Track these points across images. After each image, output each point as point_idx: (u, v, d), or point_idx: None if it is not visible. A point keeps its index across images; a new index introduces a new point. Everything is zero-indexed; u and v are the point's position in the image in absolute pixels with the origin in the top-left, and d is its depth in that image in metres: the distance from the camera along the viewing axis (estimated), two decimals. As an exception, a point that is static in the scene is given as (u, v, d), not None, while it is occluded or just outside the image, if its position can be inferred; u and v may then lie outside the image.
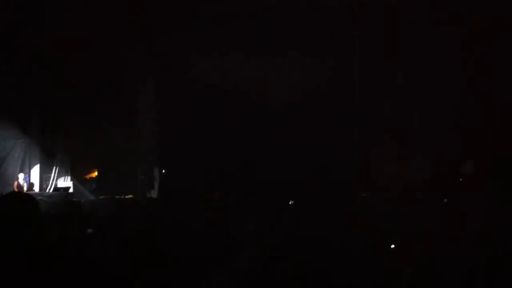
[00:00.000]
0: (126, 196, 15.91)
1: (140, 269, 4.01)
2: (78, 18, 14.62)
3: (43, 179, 16.91)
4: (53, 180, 16.79)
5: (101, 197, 16.13)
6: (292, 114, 16.36)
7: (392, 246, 5.43)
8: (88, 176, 17.81)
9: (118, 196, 15.75)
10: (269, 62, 15.99)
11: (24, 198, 3.24)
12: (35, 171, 16.92)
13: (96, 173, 17.73)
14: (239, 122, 16.38)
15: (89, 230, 4.53)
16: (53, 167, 16.91)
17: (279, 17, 15.69)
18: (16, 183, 15.25)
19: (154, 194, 16.78)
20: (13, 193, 4.07)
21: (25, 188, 15.28)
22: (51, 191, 16.31)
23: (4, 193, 3.40)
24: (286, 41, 15.98)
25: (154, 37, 16.03)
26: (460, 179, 14.54)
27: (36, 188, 16.37)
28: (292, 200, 9.71)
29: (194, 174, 15.79)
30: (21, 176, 15.54)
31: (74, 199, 14.61)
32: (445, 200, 8.78)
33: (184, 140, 16.45)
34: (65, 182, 16.95)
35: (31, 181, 16.43)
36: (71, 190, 16.26)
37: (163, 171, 17.10)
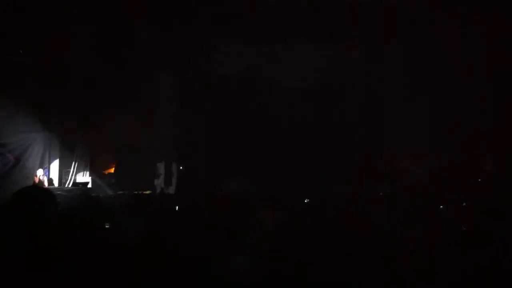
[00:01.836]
0: (145, 192, 15.95)
1: (155, 266, 4.04)
2: (99, 13, 14.72)
3: (62, 174, 16.90)
4: (72, 175, 16.78)
5: (120, 192, 16.15)
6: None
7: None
8: (107, 171, 17.83)
9: (136, 192, 15.81)
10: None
11: (42, 192, 3.26)
12: (55, 166, 16.91)
13: (115, 169, 17.76)
14: (257, 117, 16.50)
15: (107, 225, 4.56)
16: (72, 162, 16.89)
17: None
18: (36, 179, 15.27)
19: (172, 190, 16.82)
20: (31, 187, 4.11)
21: (45, 183, 15.29)
22: (70, 186, 16.32)
23: (24, 187, 3.40)
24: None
25: (170, 30, 16.06)
26: (479, 180, 14.49)
27: (55, 183, 16.38)
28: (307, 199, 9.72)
29: (212, 170, 15.88)
30: (40, 172, 15.54)
31: (92, 194, 14.63)
32: (464, 203, 8.74)
33: (203, 136, 16.57)
34: (84, 177, 16.94)
35: (51, 176, 16.43)
36: (89, 185, 16.28)
37: (181, 167, 17.15)
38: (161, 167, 16.97)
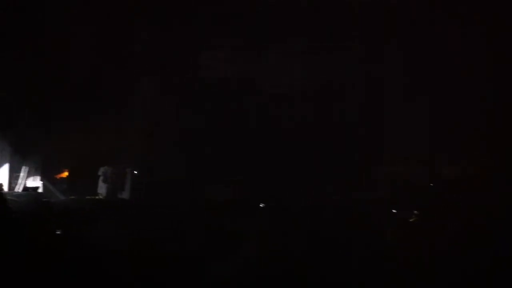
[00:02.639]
0: (97, 197, 15.91)
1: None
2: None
3: (12, 179, 16.64)
4: (23, 179, 16.51)
5: (72, 197, 15.96)
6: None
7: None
8: (58, 176, 17.55)
9: (89, 197, 15.70)
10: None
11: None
12: (4, 170, 16.63)
13: (66, 173, 17.47)
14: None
15: (58, 231, 4.50)
16: (22, 166, 16.65)
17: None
18: None
19: (125, 195, 16.58)
20: None
21: None
22: (20, 190, 16.08)
23: None
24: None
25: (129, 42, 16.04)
26: (431, 184, 14.49)
27: (5, 188, 16.04)
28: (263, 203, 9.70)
29: (169, 175, 15.72)
30: None
31: (43, 199, 14.51)
32: (416, 212, 8.76)
33: (158, 142, 16.33)
34: (34, 181, 16.68)
35: (0, 181, 16.18)
36: (40, 190, 16.06)
37: (135, 172, 16.89)
38: (109, 171, 16.63)
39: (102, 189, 16.21)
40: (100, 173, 16.28)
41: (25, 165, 16.26)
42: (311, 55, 16.63)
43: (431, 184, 13.75)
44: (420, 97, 16.05)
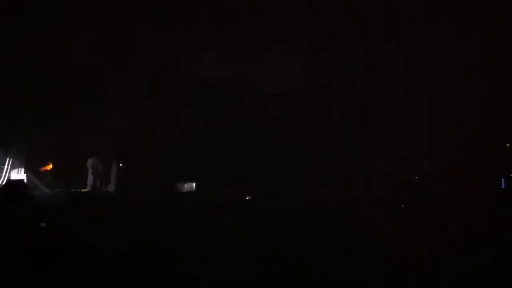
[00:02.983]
0: (82, 190, 15.85)
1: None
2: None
3: None
4: (6, 172, 16.36)
5: (57, 190, 15.86)
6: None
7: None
8: (43, 169, 17.41)
9: (74, 190, 15.63)
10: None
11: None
12: None
13: (51, 166, 17.33)
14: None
15: (43, 224, 4.52)
16: (6, 158, 16.49)
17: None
18: None
19: (111, 188, 16.57)
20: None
21: None
22: (3, 183, 15.93)
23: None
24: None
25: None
26: (416, 177, 14.53)
27: None
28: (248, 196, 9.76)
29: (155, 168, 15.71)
30: None
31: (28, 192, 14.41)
32: (403, 205, 8.79)
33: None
34: (19, 174, 16.51)
35: None
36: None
37: (121, 165, 16.83)
38: (97, 162, 16.56)
39: (90, 181, 16.20)
40: (88, 165, 16.25)
41: (9, 158, 16.11)
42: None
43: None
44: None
